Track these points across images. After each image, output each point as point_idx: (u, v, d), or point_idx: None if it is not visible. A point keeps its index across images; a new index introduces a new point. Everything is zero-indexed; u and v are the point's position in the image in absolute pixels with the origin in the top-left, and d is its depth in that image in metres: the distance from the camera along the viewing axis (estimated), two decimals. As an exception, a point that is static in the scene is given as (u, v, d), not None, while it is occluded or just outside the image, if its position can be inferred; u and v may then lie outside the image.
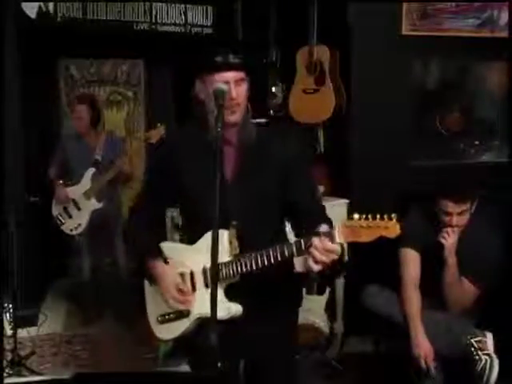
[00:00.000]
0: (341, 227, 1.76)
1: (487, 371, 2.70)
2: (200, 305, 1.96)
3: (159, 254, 2.08)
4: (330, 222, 1.94)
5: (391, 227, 1.73)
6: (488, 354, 2.73)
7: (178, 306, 2.01)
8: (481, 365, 2.71)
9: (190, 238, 2.04)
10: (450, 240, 2.84)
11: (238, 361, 2.13)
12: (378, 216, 1.74)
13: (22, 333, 3.84)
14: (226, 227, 1.85)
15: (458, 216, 2.82)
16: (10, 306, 3.60)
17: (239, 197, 1.91)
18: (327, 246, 1.74)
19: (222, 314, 1.80)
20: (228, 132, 1.93)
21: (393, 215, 1.74)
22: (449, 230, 2.84)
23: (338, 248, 1.77)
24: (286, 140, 2.04)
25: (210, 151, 1.92)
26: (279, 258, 1.82)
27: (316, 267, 1.77)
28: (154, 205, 2.12)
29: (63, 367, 3.60)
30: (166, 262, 2.07)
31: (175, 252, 2.07)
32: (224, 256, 1.84)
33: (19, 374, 3.39)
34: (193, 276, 1.99)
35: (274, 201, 1.99)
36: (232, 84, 1.88)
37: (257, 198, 1.95)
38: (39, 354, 3.75)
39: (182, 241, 2.15)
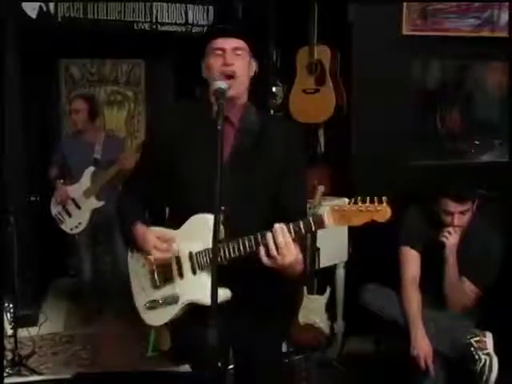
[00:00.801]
0: (330, 211, 1.74)
1: (487, 371, 2.70)
2: (188, 291, 1.94)
3: (144, 221, 2.03)
4: None
5: (382, 210, 1.72)
6: (488, 354, 2.73)
7: (161, 257, 1.95)
8: (480, 364, 2.71)
9: (176, 221, 1.98)
10: (451, 240, 2.84)
11: (227, 349, 2.13)
12: (368, 199, 1.73)
13: (23, 332, 3.84)
14: (213, 211, 1.69)
15: (459, 215, 2.82)
16: (11, 305, 3.61)
17: (231, 181, 1.83)
18: (279, 241, 1.74)
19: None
20: (230, 110, 1.90)
21: (383, 198, 1.73)
22: (450, 229, 2.84)
23: (290, 243, 1.75)
24: (288, 134, 2.02)
25: (208, 130, 1.88)
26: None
27: (266, 260, 1.77)
28: (146, 179, 2.06)
29: (63, 367, 3.61)
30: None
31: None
32: (210, 242, 1.69)
33: (19, 374, 3.41)
34: (179, 261, 1.96)
35: (265, 190, 1.95)
36: (229, 51, 1.87)
37: (249, 185, 1.92)
38: (39, 353, 3.75)
39: (168, 224, 2.10)
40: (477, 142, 4.07)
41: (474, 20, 3.82)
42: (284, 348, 3.46)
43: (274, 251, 1.75)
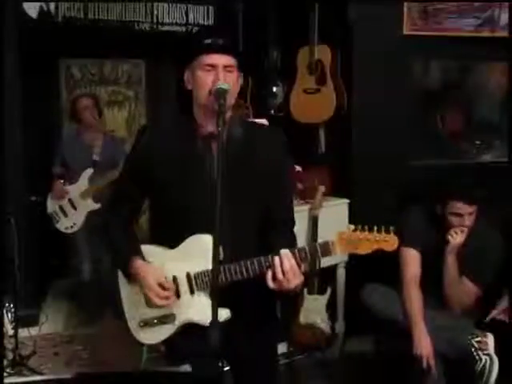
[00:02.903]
0: (337, 239, 1.76)
1: (487, 371, 2.70)
2: (185, 311, 1.92)
3: (140, 252, 1.99)
4: (294, 239, 1.98)
5: (390, 240, 1.75)
6: (488, 354, 2.74)
7: (161, 304, 1.93)
8: (481, 365, 2.71)
9: (165, 240, 1.95)
10: (458, 239, 2.85)
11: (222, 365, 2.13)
12: (376, 228, 1.75)
13: (23, 332, 3.83)
14: (210, 231, 1.68)
15: (468, 216, 2.83)
16: (11, 305, 3.61)
17: (224, 200, 1.67)
18: (286, 267, 1.75)
19: (210, 319, 1.65)
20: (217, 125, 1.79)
21: (391, 228, 1.75)
22: (457, 229, 2.84)
23: (295, 268, 1.76)
24: (273, 142, 1.98)
25: (196, 146, 1.89)
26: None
27: (272, 284, 1.78)
28: (129, 198, 2.03)
29: (64, 367, 3.61)
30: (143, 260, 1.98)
31: (155, 255, 1.98)
32: (209, 263, 1.67)
33: (20, 374, 3.40)
34: (176, 282, 1.93)
35: (256, 203, 1.94)
36: (220, 68, 1.82)
37: (241, 200, 1.89)
38: (40, 353, 3.75)
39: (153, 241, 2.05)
40: (477, 142, 4.07)
41: (474, 20, 3.82)
42: (284, 348, 3.46)
43: (280, 276, 1.76)
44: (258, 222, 1.96)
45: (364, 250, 1.75)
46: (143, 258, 1.98)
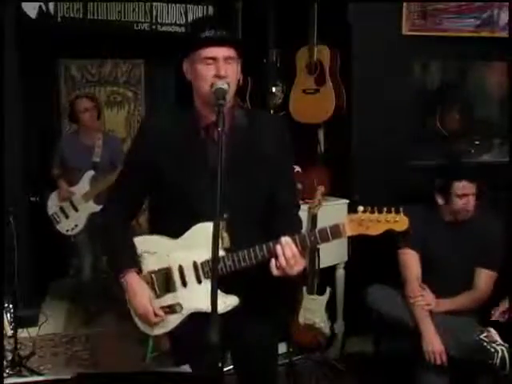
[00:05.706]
0: (347, 221, 1.75)
1: (507, 359, 2.66)
2: (192, 300, 1.94)
3: (136, 262, 2.00)
4: (299, 223, 1.99)
5: (400, 220, 1.73)
6: (501, 344, 2.71)
7: (146, 327, 1.98)
8: (499, 356, 2.68)
9: (168, 230, 1.96)
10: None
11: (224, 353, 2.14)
12: (385, 209, 1.73)
13: (23, 333, 3.83)
14: (214, 219, 1.65)
15: (472, 197, 2.86)
16: (11, 306, 3.60)
17: (229, 187, 1.71)
18: (288, 254, 1.77)
19: (219, 307, 1.64)
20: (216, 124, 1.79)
21: (401, 208, 1.73)
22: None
23: (297, 254, 1.77)
24: (275, 129, 2.00)
25: (197, 138, 1.89)
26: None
27: (276, 271, 1.80)
28: (131, 194, 2.03)
29: (63, 367, 3.61)
30: (138, 271, 2.00)
31: (159, 245, 1.99)
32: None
33: (19, 375, 3.40)
34: (182, 271, 1.94)
35: (261, 191, 1.95)
36: (221, 61, 1.83)
37: (246, 189, 1.91)
38: (39, 354, 3.75)
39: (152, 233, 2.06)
40: (477, 142, 4.07)
41: (474, 20, 3.82)
42: (284, 348, 3.46)
43: (284, 264, 1.78)
44: (263, 208, 1.97)
45: (375, 231, 1.73)
46: (138, 268, 1.99)
